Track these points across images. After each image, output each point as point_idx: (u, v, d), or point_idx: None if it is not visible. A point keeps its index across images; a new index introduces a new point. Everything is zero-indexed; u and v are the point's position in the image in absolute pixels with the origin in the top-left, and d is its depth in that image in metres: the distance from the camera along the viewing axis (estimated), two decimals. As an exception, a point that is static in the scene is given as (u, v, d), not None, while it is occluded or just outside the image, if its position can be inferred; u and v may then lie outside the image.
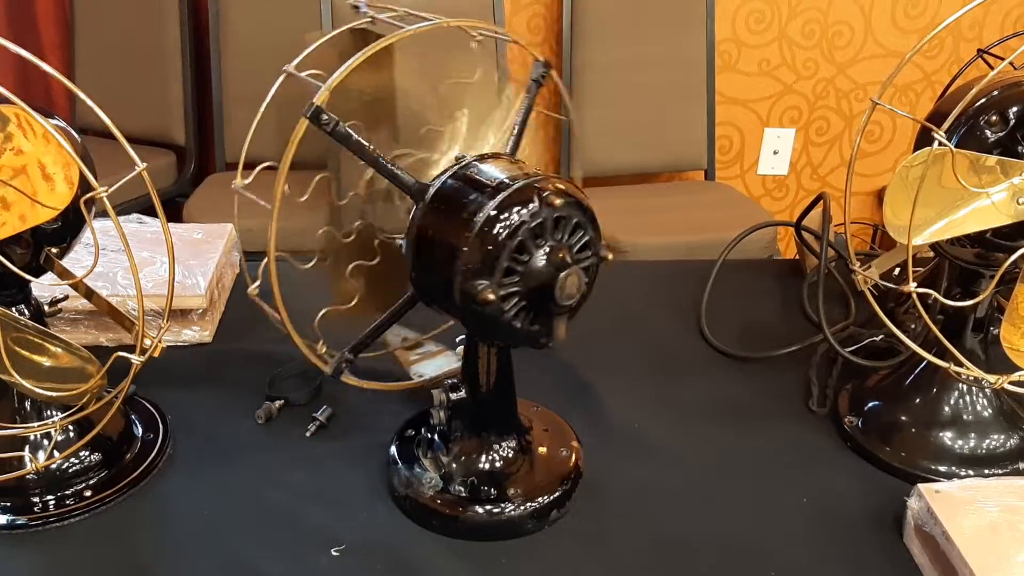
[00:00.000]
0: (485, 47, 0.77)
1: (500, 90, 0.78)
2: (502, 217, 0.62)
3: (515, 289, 0.64)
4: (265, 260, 0.69)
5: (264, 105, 0.68)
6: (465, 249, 0.63)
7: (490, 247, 0.62)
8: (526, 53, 0.78)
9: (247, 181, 0.70)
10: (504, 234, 0.62)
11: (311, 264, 0.73)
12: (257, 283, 0.72)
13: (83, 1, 2.49)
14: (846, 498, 0.78)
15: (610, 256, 0.68)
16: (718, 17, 2.45)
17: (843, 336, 0.98)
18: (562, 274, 0.63)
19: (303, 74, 0.68)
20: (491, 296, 0.62)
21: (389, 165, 0.68)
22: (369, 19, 0.75)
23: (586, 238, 0.66)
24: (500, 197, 0.63)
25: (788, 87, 2.63)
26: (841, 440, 0.85)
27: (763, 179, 2.77)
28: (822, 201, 1.04)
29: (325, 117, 0.64)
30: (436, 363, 0.83)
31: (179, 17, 2.41)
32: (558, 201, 0.63)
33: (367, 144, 0.67)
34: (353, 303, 0.77)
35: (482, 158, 0.69)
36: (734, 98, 2.62)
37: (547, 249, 0.64)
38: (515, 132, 0.78)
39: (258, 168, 0.70)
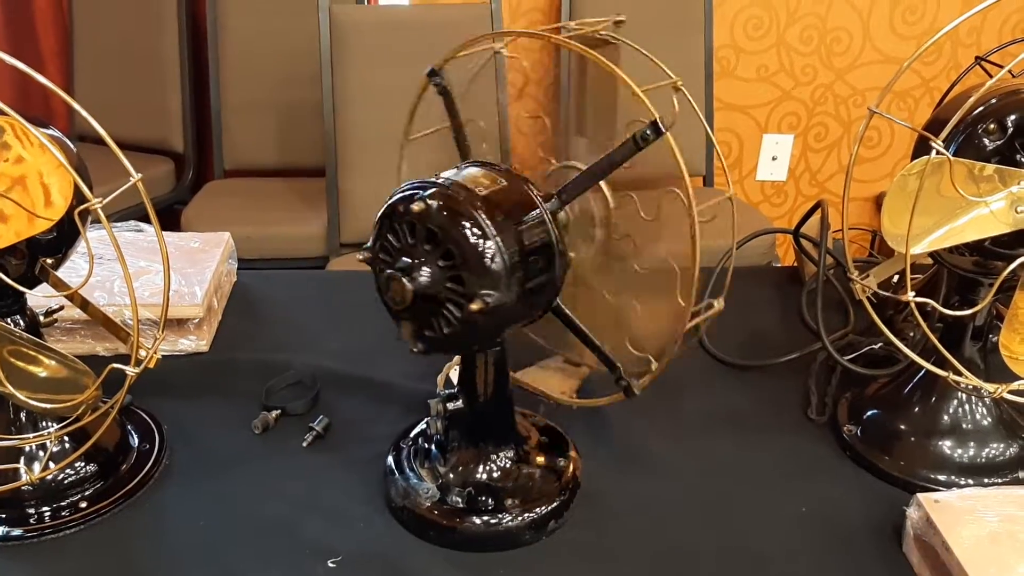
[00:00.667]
0: None
1: None
2: (398, 200, 0.67)
3: (383, 268, 0.68)
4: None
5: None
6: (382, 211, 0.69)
7: (384, 217, 0.68)
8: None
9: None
10: (388, 212, 0.67)
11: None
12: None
13: (82, 9, 2.50)
14: (845, 507, 0.77)
15: (475, 308, 0.64)
16: (716, 23, 2.45)
17: (842, 344, 0.98)
18: (386, 272, 0.66)
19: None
20: (366, 255, 0.69)
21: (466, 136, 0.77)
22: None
23: (456, 272, 0.64)
24: (414, 186, 0.67)
25: (787, 93, 2.63)
26: (840, 449, 0.85)
27: (762, 185, 2.77)
28: (820, 208, 1.04)
29: (438, 79, 0.76)
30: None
31: (177, 25, 2.42)
32: (417, 208, 0.64)
33: (459, 112, 0.76)
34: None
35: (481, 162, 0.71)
36: (733, 104, 2.62)
37: (410, 252, 0.66)
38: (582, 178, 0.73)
39: None
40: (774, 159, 2.71)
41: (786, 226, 2.77)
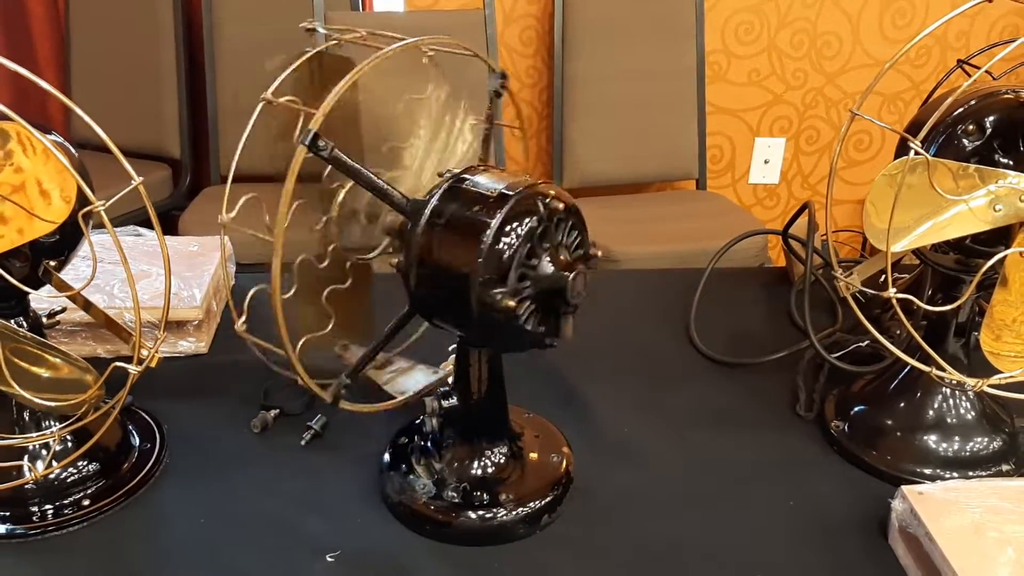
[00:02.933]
0: (437, 63, 0.78)
1: (454, 103, 0.80)
2: (511, 226, 0.65)
3: (527, 293, 0.66)
4: (251, 292, 0.72)
5: (246, 134, 0.69)
6: (480, 261, 0.64)
7: (503, 257, 0.65)
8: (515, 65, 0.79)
9: (232, 215, 0.71)
10: (515, 243, 0.64)
11: (291, 294, 0.74)
12: (243, 319, 0.73)
13: (78, 16, 2.51)
14: (832, 501, 0.79)
15: (599, 253, 0.71)
16: (708, 28, 2.47)
17: (829, 342, 1.00)
18: (571, 275, 0.66)
19: (280, 100, 0.69)
20: (511, 304, 0.64)
21: (384, 185, 0.70)
22: (335, 41, 0.76)
23: (580, 238, 0.69)
24: (506, 207, 0.65)
25: (778, 97, 2.65)
26: (827, 444, 0.86)
27: (754, 188, 2.79)
28: (808, 209, 1.05)
29: (322, 143, 0.65)
30: (414, 378, 0.85)
31: (173, 31, 2.43)
32: (560, 206, 0.66)
33: (361, 167, 0.68)
34: (330, 328, 0.79)
35: (471, 170, 0.70)
36: (724, 108, 2.65)
37: (555, 251, 0.67)
38: (479, 142, 0.80)
39: (241, 200, 0.71)
40: (766, 162, 2.73)
41: (778, 229, 2.80)
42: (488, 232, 0.64)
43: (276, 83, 0.70)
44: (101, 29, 2.50)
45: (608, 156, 2.44)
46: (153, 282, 1.01)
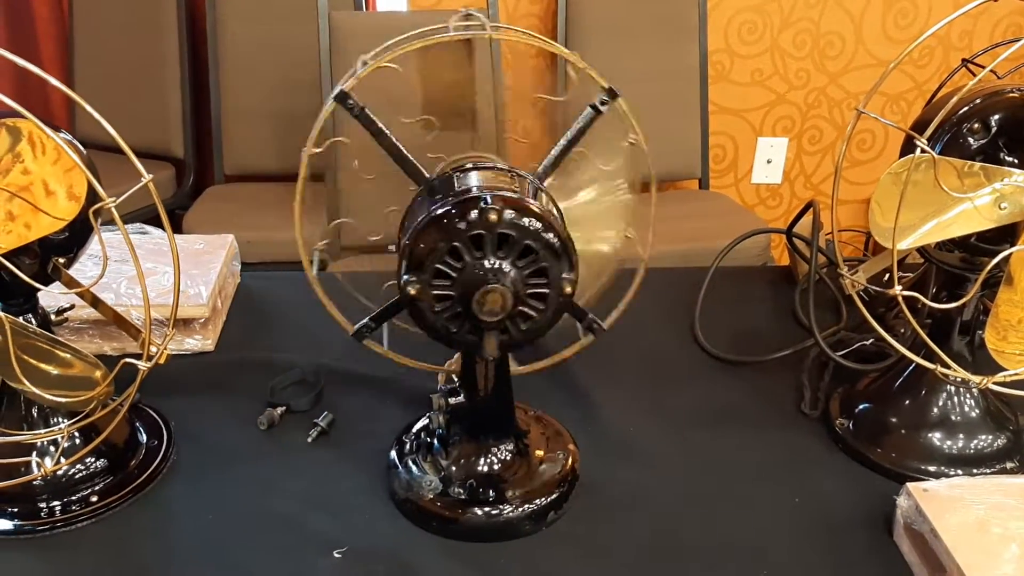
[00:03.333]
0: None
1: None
2: (444, 221, 0.65)
3: (446, 293, 0.67)
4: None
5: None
6: (406, 243, 0.66)
7: (423, 245, 0.66)
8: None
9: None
10: (440, 236, 0.65)
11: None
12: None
13: (82, 15, 2.51)
14: (837, 498, 0.79)
15: (568, 290, 0.69)
16: (711, 28, 2.47)
17: (834, 340, 1.00)
18: (481, 289, 0.65)
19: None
20: (412, 291, 0.66)
21: (406, 153, 0.70)
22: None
23: (538, 266, 0.67)
24: (451, 202, 0.66)
25: (781, 97, 2.65)
26: (832, 442, 0.87)
27: (757, 188, 2.79)
28: (812, 208, 1.06)
29: (351, 101, 0.67)
30: None
31: (177, 31, 2.43)
32: (493, 218, 0.65)
33: (387, 131, 0.69)
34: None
35: (476, 164, 0.71)
36: (727, 108, 2.65)
37: (487, 263, 0.66)
38: (559, 150, 0.77)
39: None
40: (769, 162, 2.73)
41: (782, 228, 2.80)
42: (422, 220, 0.66)
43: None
44: (105, 29, 2.50)
45: (611, 156, 2.43)
46: (160, 279, 1.02)
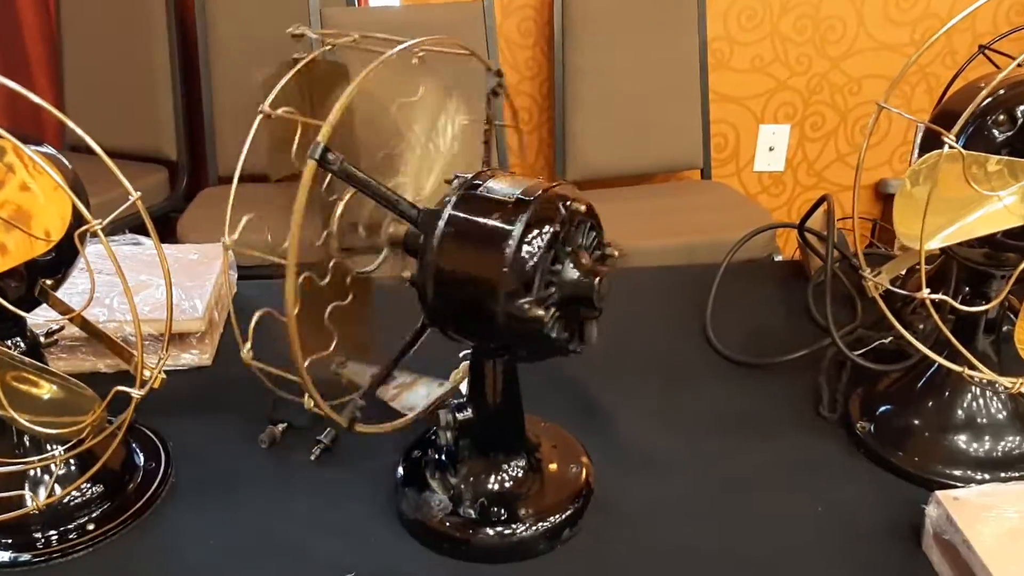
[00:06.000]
0: (427, 61, 0.74)
1: (446, 103, 0.76)
2: (533, 233, 0.62)
3: (552, 300, 0.64)
4: (256, 316, 0.70)
5: (244, 149, 0.66)
6: (505, 271, 0.62)
7: (527, 265, 0.62)
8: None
9: (235, 237, 0.68)
10: (539, 250, 0.62)
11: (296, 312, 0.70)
12: (249, 346, 0.71)
13: (69, 18, 2.48)
14: (861, 506, 0.77)
15: (617, 252, 0.69)
16: (710, 15, 2.44)
17: (851, 339, 0.97)
18: (596, 279, 0.64)
19: (278, 112, 0.67)
20: (540, 313, 0.62)
21: (396, 197, 0.67)
22: (328, 47, 0.73)
23: (597, 238, 0.68)
24: (527, 213, 0.63)
25: (782, 83, 2.62)
26: (853, 446, 0.84)
27: (759, 176, 2.76)
28: (826, 203, 1.03)
29: (331, 156, 0.62)
30: (420, 392, 0.82)
31: (167, 31, 2.40)
32: (581, 208, 0.65)
33: (371, 179, 0.65)
34: (332, 347, 0.76)
35: (481, 175, 0.67)
36: (728, 95, 2.62)
37: (574, 256, 0.65)
38: (481, 144, 0.78)
39: (242, 221, 0.69)
40: (771, 149, 2.70)
41: (785, 216, 2.77)
42: (511, 240, 0.62)
43: (272, 95, 0.67)
44: (93, 31, 2.46)
45: (611, 147, 2.41)
46: (153, 292, 0.99)
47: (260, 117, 0.67)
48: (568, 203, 0.64)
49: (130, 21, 2.42)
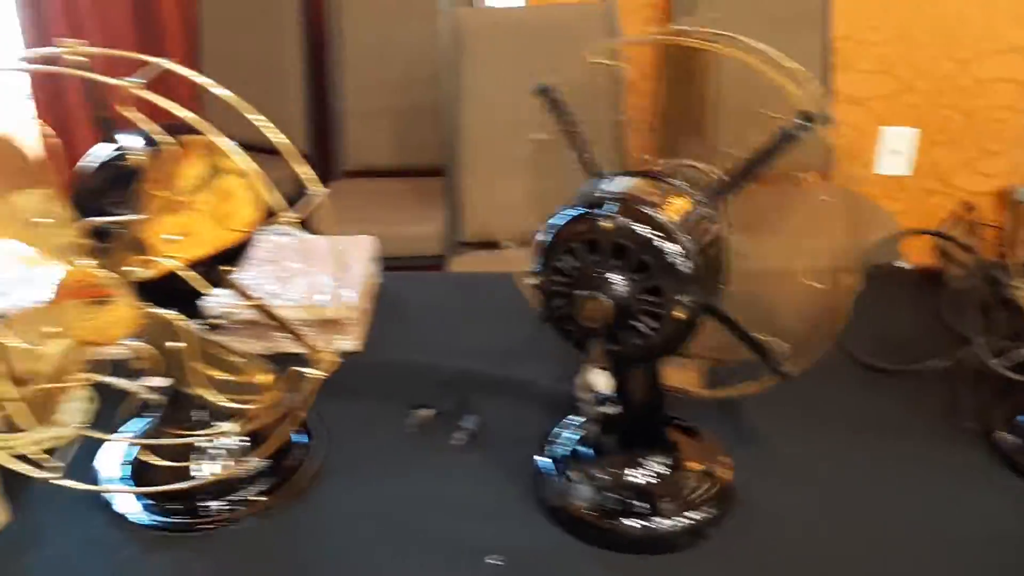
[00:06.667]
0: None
1: None
2: (570, 220, 0.68)
3: (561, 290, 0.68)
4: None
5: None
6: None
7: (551, 239, 0.69)
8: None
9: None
10: (567, 235, 0.68)
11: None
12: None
13: (210, 19, 2.60)
14: (1003, 516, 0.76)
15: (679, 315, 0.67)
16: (835, 15, 2.40)
17: (992, 349, 0.95)
18: (581, 294, 0.66)
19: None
20: (534, 281, 0.69)
21: (588, 147, 0.74)
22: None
23: (652, 283, 0.66)
24: (580, 203, 0.68)
25: (907, 85, 2.56)
26: (993, 456, 0.83)
27: (881, 180, 2.70)
28: (968, 210, 1.01)
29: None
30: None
31: (298, 30, 2.51)
32: (608, 225, 0.65)
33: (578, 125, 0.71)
34: None
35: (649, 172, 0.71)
36: (851, 96, 2.57)
37: (598, 271, 0.66)
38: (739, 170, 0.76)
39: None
40: (894, 152, 2.64)
41: (908, 221, 2.70)
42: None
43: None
44: (231, 32, 2.58)
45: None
46: (312, 280, 1.04)
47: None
48: (597, 215, 0.66)
49: (264, 22, 2.54)
